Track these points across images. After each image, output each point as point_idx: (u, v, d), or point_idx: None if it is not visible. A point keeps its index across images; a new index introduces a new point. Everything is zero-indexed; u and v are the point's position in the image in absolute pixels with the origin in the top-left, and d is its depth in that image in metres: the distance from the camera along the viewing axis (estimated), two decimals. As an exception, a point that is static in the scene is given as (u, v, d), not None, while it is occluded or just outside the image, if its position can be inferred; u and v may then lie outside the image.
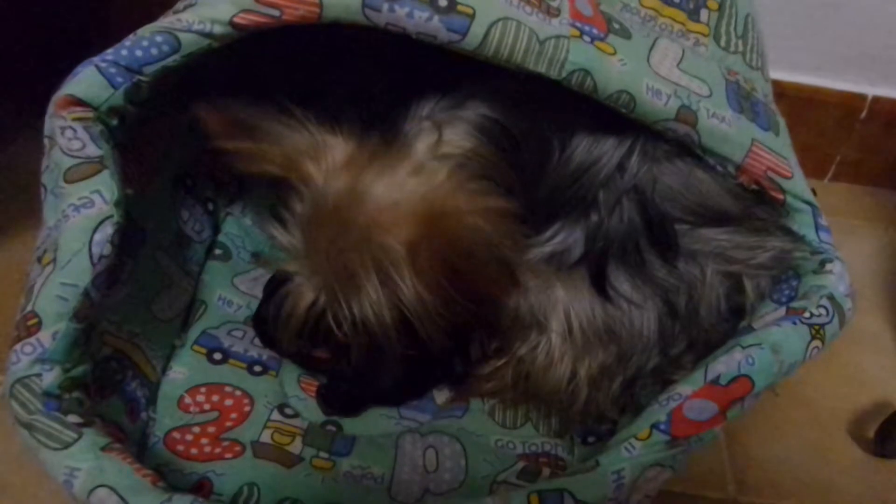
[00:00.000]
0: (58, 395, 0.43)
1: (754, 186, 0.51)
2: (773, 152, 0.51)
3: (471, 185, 0.49)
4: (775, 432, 0.68)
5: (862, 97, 0.91)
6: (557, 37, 0.45)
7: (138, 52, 0.46)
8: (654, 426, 0.46)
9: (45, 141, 0.47)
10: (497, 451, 0.58)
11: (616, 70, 0.46)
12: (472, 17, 0.44)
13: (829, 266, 0.52)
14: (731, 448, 0.66)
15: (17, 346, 0.43)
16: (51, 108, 0.46)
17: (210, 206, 0.70)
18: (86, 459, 0.41)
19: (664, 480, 0.47)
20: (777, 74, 0.90)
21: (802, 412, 0.70)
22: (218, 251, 0.70)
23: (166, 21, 0.46)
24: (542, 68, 0.45)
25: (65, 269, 0.44)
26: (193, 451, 0.55)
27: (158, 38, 0.46)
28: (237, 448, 0.55)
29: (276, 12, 0.44)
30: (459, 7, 0.43)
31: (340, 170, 0.49)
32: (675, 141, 0.50)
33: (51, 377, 0.43)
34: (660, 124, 0.48)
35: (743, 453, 0.66)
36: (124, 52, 0.46)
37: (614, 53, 0.47)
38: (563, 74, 0.46)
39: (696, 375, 0.48)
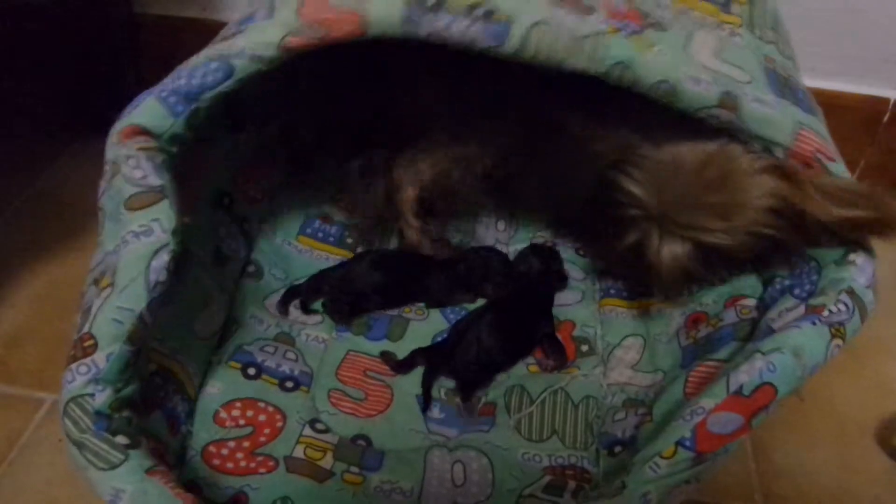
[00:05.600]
0: (108, 414, 0.45)
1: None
2: (819, 135, 0.50)
3: None
4: (802, 442, 0.68)
5: (884, 101, 0.91)
6: (596, 34, 0.47)
7: (195, 81, 0.48)
8: (679, 443, 0.46)
9: (107, 166, 0.49)
10: (523, 464, 0.59)
11: (655, 61, 0.47)
12: (511, 22, 0.46)
13: (851, 256, 0.50)
14: (758, 459, 0.66)
15: (73, 366, 0.45)
16: (115, 137, 0.48)
17: (245, 226, 0.72)
18: (131, 482, 0.43)
19: (689, 492, 0.47)
20: (799, 80, 0.90)
21: (829, 422, 0.70)
22: (251, 269, 0.72)
23: (218, 47, 0.48)
24: (583, 64, 0.47)
25: (122, 294, 0.46)
26: (229, 465, 0.56)
27: (213, 66, 0.47)
28: (271, 463, 0.57)
29: (323, 31, 0.46)
30: (495, 16, 0.45)
31: None
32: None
33: (103, 397, 0.45)
34: (703, 112, 0.49)
35: (770, 464, 0.66)
36: (182, 82, 0.48)
37: (652, 46, 0.48)
38: (604, 69, 0.47)
39: (717, 387, 0.47)
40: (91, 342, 0.45)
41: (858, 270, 0.49)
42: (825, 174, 0.50)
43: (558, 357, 0.68)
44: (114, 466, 0.43)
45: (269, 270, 0.73)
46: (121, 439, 0.44)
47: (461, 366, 0.65)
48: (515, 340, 0.68)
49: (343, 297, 0.71)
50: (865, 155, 0.95)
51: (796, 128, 0.49)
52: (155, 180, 0.48)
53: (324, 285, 0.71)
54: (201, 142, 0.60)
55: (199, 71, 0.47)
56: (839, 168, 0.50)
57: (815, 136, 0.50)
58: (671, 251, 0.56)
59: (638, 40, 0.48)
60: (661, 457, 0.46)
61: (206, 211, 0.65)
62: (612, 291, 0.73)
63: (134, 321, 0.46)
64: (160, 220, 0.47)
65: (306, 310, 0.71)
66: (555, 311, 0.73)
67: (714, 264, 0.57)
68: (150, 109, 0.48)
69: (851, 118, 0.92)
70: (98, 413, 0.44)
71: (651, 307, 0.69)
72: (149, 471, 0.44)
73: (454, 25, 0.45)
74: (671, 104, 0.48)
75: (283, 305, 0.70)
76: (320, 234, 0.78)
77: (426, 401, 0.63)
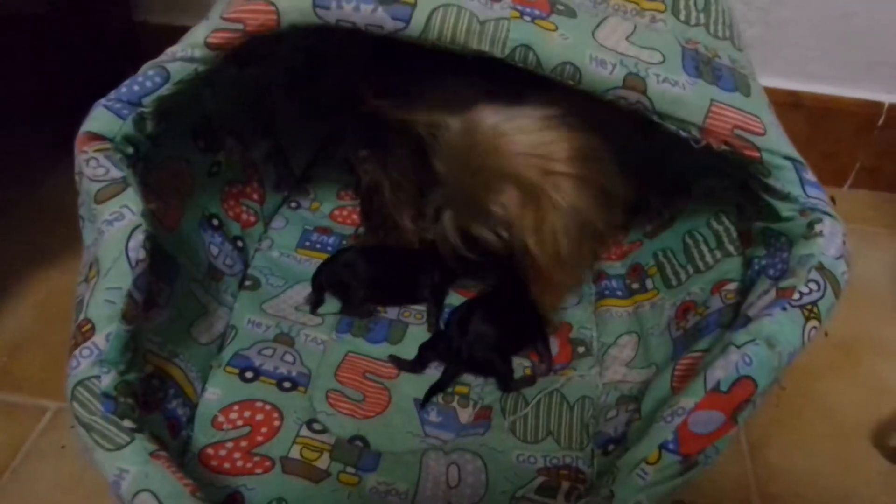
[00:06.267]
0: (114, 396, 0.46)
1: (724, 148, 0.50)
2: (740, 110, 0.50)
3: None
4: (799, 443, 0.68)
5: (879, 105, 0.91)
6: (498, 18, 0.49)
7: (135, 88, 0.52)
8: (662, 446, 0.45)
9: (76, 177, 0.52)
10: (517, 466, 0.59)
11: (558, 44, 0.49)
12: (414, 5, 0.48)
13: (818, 227, 0.48)
14: (754, 460, 0.66)
15: (76, 352, 0.46)
16: (76, 148, 0.52)
17: (239, 244, 0.73)
18: (135, 462, 0.44)
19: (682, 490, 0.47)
20: (794, 85, 0.91)
21: (825, 423, 0.70)
22: (248, 282, 0.73)
23: (160, 57, 0.52)
24: (485, 47, 0.49)
25: (108, 276, 0.48)
26: (226, 465, 0.57)
27: (151, 72, 0.52)
28: (267, 463, 0.58)
29: (240, 26, 0.50)
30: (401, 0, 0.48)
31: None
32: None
33: (108, 379, 0.46)
34: (609, 94, 0.49)
35: (766, 465, 0.66)
36: (124, 90, 0.52)
37: (556, 30, 0.49)
38: (507, 52, 0.49)
39: (695, 385, 0.46)
40: (89, 326, 0.46)
41: (826, 242, 0.48)
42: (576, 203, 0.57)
43: (547, 359, 0.68)
44: (119, 447, 0.44)
45: (266, 281, 0.74)
46: (127, 423, 0.45)
47: (472, 360, 0.66)
48: (510, 330, 0.68)
49: (336, 287, 0.72)
50: (860, 158, 0.96)
51: (710, 106, 0.50)
52: (116, 173, 0.51)
53: (319, 281, 0.72)
54: (173, 159, 0.63)
55: (139, 79, 0.52)
56: (771, 140, 0.50)
57: (734, 111, 0.50)
58: (447, 219, 0.62)
59: (540, 24, 0.49)
60: (647, 463, 0.45)
61: (195, 230, 0.66)
62: (607, 292, 0.73)
63: (124, 299, 0.47)
64: (128, 206, 0.50)
65: (314, 311, 0.72)
66: (553, 313, 0.73)
67: (475, 246, 0.63)
68: (99, 116, 0.51)
69: (847, 122, 0.93)
70: (105, 395, 0.45)
71: (645, 302, 0.69)
72: (152, 454, 0.45)
73: (362, 6, 0.48)
74: (577, 86, 0.49)
75: (316, 299, 0.72)
76: (318, 246, 0.79)
77: (426, 398, 0.64)
